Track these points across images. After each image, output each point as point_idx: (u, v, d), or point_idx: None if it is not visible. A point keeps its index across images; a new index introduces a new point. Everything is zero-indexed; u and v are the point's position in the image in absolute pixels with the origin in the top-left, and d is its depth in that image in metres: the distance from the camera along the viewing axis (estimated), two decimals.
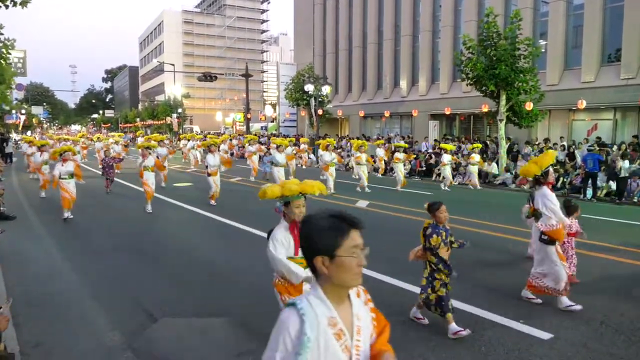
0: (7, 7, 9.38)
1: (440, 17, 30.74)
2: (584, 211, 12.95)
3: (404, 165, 19.14)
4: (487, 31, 18.71)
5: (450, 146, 19.10)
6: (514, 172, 18.86)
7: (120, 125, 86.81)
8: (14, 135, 51.05)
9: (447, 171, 17.66)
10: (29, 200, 14.16)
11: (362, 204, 13.62)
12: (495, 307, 5.56)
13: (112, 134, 41.51)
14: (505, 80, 18.31)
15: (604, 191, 15.71)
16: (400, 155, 17.73)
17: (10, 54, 22.31)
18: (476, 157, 17.90)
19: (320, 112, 32.45)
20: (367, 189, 16.30)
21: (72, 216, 11.10)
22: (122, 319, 5.34)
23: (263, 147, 23.94)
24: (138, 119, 73.53)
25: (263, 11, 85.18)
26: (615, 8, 21.81)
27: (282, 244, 3.90)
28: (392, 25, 34.58)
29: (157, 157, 15.34)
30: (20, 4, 9.31)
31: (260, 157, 21.35)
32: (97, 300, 5.95)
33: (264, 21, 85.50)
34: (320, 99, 32.44)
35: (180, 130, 50.84)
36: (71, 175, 11.18)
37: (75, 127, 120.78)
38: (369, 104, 36.33)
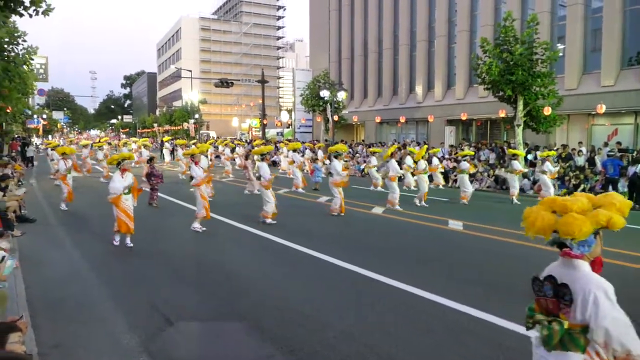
0: (30, 15, 9.51)
1: (456, 22, 30.59)
2: None
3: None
4: (505, 35, 18.53)
5: (520, 152, 16.99)
6: (532, 178, 18.58)
7: (138, 130, 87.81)
8: (35, 140, 51.93)
9: (516, 181, 15.65)
10: (49, 203, 14.32)
11: (378, 210, 13.54)
12: (513, 316, 5.44)
13: (134, 138, 41.87)
14: (523, 85, 18.08)
15: (625, 197, 15.39)
16: (465, 165, 15.54)
17: (32, 59, 22.75)
18: (549, 166, 15.46)
19: (335, 118, 32.44)
20: (418, 201, 14.53)
21: (131, 244, 8.91)
22: (139, 322, 5.34)
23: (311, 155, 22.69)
24: (156, 125, 74.34)
25: (279, 18, 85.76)
26: (634, 10, 21.48)
27: None
28: (407, 30, 34.51)
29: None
30: (43, 12, 9.43)
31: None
32: (114, 302, 5.97)
33: (279, 27, 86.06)
34: (335, 105, 32.44)
35: (197, 136, 51.20)
36: (129, 190, 9.00)
37: (94, 132, 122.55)
38: (384, 109, 36.24)
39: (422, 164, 15.32)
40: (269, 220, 11.06)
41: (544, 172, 15.54)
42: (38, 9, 9.28)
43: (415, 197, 14.83)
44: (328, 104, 31.95)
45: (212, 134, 59.22)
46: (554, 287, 2.54)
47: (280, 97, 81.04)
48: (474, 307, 5.66)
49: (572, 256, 2.53)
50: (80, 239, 9.73)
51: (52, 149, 21.29)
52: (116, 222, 8.83)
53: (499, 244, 9.35)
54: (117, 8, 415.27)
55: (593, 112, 21.89)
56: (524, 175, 18.66)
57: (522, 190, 17.95)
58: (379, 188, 18.30)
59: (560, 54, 20.46)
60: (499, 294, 6.29)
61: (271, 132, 50.42)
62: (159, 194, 14.22)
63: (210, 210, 10.48)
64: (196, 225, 10.37)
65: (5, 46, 19.82)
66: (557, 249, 2.60)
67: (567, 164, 18.35)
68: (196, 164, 10.79)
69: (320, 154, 22.89)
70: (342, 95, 32.20)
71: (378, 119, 35.65)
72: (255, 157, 15.72)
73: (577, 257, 2.53)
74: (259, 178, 11.41)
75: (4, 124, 29.11)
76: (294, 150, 20.46)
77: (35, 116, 48.18)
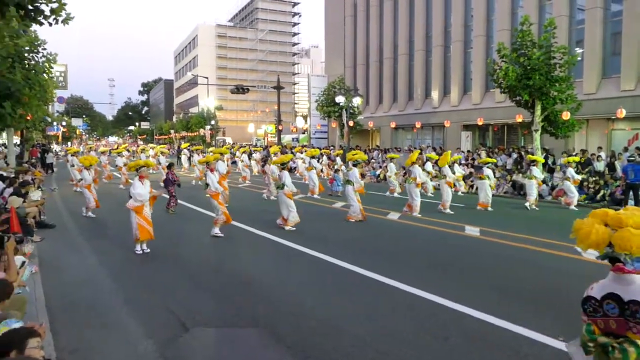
0: (50, 24, 9.62)
1: (472, 27, 30.42)
2: None
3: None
4: (522, 40, 18.38)
5: (540, 158, 16.68)
6: (550, 184, 18.35)
7: (155, 137, 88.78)
8: (54, 146, 52.83)
9: (534, 187, 15.35)
10: (68, 210, 14.53)
11: (394, 215, 13.47)
12: (530, 322, 5.36)
13: (152, 145, 42.33)
14: (540, 90, 17.89)
15: None
16: (488, 171, 15.32)
17: (52, 67, 23.19)
18: (572, 172, 15.43)
19: (351, 123, 32.44)
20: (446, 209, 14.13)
21: (148, 250, 8.98)
22: (155, 327, 5.39)
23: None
24: (172, 131, 75.14)
25: (294, 24, 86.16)
26: None
27: None
28: (423, 36, 34.41)
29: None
30: (63, 21, 9.52)
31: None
32: (131, 307, 6.03)
33: (295, 34, 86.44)
34: (351, 111, 32.46)
35: (213, 142, 51.61)
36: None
37: (112, 139, 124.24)
38: (400, 115, 36.14)
39: (449, 172, 14.93)
40: (287, 227, 11.10)
41: (567, 178, 15.42)
42: (58, 17, 9.37)
43: (439, 204, 14.63)
44: (343, 109, 31.96)
45: (228, 139, 59.72)
46: (620, 305, 2.39)
47: (296, 103, 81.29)
48: (491, 313, 5.60)
49: (626, 271, 2.41)
50: (98, 244, 9.85)
51: (72, 155, 21.63)
52: (137, 230, 8.78)
53: (517, 250, 9.23)
54: (135, 17, 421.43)
55: (613, 117, 21.57)
56: (543, 181, 18.44)
57: (540, 196, 17.73)
58: (395, 194, 18.22)
59: (579, 58, 20.23)
60: (516, 300, 6.20)
61: (287, 138, 50.57)
62: (180, 201, 14.36)
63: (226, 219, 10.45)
64: (216, 231, 10.42)
65: (26, 54, 20.24)
66: (609, 263, 2.50)
67: (587, 170, 18.08)
68: (212, 171, 10.85)
69: (338, 161, 22.85)
70: (357, 101, 32.21)
71: (393, 125, 35.55)
72: (273, 166, 15.89)
73: (630, 272, 2.40)
74: (281, 187, 11.36)
75: (24, 131, 29.67)
76: (312, 157, 20.57)
77: (54, 123, 49.01)
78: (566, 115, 18.60)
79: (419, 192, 13.71)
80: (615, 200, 15.62)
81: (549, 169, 19.36)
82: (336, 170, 20.02)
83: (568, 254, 8.45)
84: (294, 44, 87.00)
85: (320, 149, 29.43)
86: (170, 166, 15.40)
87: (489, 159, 16.96)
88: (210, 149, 32.24)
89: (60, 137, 58.99)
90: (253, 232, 11.01)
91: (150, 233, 8.90)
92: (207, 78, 53.93)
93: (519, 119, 23.12)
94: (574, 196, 15.46)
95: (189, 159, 32.23)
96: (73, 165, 20.21)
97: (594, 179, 17.13)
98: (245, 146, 36.76)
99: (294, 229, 11.10)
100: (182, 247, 9.65)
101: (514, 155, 22.43)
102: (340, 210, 14.43)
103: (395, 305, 6.04)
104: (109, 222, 12.45)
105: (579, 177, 15.88)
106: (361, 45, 40.74)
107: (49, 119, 41.80)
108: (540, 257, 8.65)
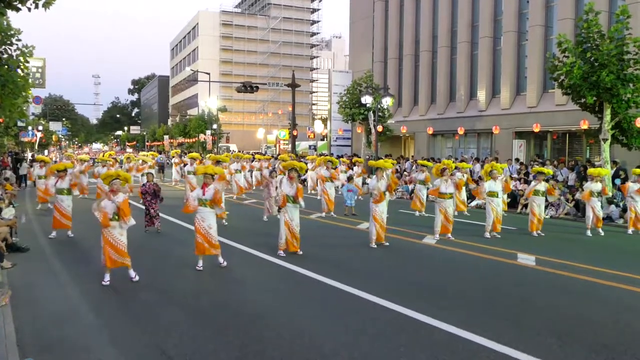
0: (29, 9, 9.78)
1: (527, 15, 30.39)
2: None
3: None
4: (587, 31, 18.30)
5: (596, 170, 15.97)
6: (621, 205, 18.10)
7: (147, 143, 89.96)
8: (29, 155, 53.80)
9: (589, 207, 15.17)
10: (44, 230, 14.73)
11: (430, 240, 13.44)
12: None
13: (143, 153, 42.91)
14: (610, 91, 17.76)
15: None
16: (541, 186, 14.77)
17: (28, 62, 23.60)
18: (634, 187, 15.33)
19: (380, 128, 32.49)
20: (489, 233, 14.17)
21: (137, 278, 9.02)
22: None
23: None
24: (167, 136, 76.05)
25: (313, 10, 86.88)
26: None
27: None
28: (468, 25, 34.45)
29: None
30: (43, 5, 9.67)
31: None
32: (117, 348, 6.12)
33: (314, 22, 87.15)
34: (380, 113, 32.54)
35: (216, 150, 52.09)
36: (117, 216, 8.95)
37: (96, 146, 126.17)
38: (438, 119, 36.11)
39: (497, 184, 14.33)
40: (280, 252, 11.16)
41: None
42: (37, 1, 9.52)
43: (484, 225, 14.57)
44: (371, 111, 32.05)
45: (233, 147, 60.16)
46: None
47: (314, 104, 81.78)
48: None
49: None
50: (80, 271, 9.99)
51: (39, 163, 21.57)
52: (103, 256, 8.84)
53: (581, 284, 9.12)
54: (126, 3, 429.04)
55: None
56: (610, 201, 18.19)
57: (609, 219, 17.54)
58: (424, 213, 18.19)
59: None
60: (581, 347, 6.14)
61: (302, 145, 50.80)
62: (170, 218, 14.47)
63: (212, 243, 9.91)
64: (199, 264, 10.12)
65: None
66: None
67: None
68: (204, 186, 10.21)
69: (357, 169, 22.82)
70: (387, 102, 32.23)
71: (431, 130, 35.52)
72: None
73: None
74: (279, 210, 11.49)
75: None
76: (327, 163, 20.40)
77: (30, 128, 49.86)
78: None
79: (450, 210, 13.68)
80: None
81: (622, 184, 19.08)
82: (349, 178, 19.86)
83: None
84: (313, 34, 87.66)
85: (340, 157, 29.47)
86: (148, 176, 15.01)
87: (543, 169, 16.47)
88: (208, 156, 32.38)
89: (36, 144, 60.07)
90: (261, 257, 11.06)
91: (116, 261, 8.82)
92: (208, 74, 54.59)
93: (584, 126, 22.93)
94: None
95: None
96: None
97: None
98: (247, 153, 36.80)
99: (283, 254, 11.07)
100: (177, 274, 9.73)
101: (577, 169, 22.20)
102: (366, 231, 14.43)
103: (433, 348, 6.03)
104: (92, 244, 12.58)
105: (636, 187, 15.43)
106: (393, 35, 40.93)
107: (24, 123, 42.51)
108: (608, 293, 8.52)
